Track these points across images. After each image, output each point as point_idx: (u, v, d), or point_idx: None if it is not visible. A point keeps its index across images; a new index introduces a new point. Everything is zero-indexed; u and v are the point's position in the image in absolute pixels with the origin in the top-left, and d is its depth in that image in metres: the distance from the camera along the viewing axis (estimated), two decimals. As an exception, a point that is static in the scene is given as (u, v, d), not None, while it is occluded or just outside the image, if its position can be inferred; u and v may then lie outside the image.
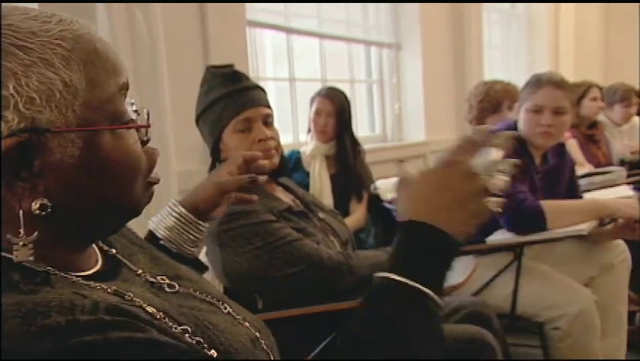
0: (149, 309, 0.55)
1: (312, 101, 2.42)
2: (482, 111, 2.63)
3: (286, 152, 2.06)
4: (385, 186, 2.35)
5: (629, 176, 2.63)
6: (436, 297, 0.59)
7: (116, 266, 0.64)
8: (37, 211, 0.52)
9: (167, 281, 0.67)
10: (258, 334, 0.68)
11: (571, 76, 3.72)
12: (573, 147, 2.94)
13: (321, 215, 1.45)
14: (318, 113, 2.37)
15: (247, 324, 0.69)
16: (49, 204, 0.52)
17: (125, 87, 0.58)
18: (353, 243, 1.52)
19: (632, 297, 2.15)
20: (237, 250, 1.25)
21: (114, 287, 0.56)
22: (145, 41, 1.73)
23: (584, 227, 1.66)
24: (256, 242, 1.24)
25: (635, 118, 3.63)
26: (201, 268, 0.96)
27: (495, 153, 0.65)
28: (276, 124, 1.39)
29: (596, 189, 2.37)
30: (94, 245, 0.64)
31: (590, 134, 3.24)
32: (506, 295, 1.73)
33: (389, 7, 3.41)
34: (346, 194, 2.33)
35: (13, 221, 0.52)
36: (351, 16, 3.24)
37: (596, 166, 2.99)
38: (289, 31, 2.79)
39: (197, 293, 0.68)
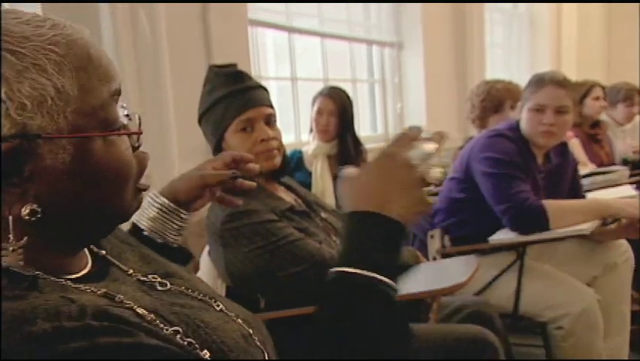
0: (140, 310, 0.55)
1: (313, 100, 2.42)
2: (484, 111, 2.62)
3: (288, 151, 2.06)
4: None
5: (631, 175, 2.62)
6: (390, 282, 0.60)
7: (105, 267, 0.64)
8: (27, 217, 0.52)
9: (159, 280, 0.67)
10: (250, 330, 0.68)
11: (573, 75, 3.70)
12: (576, 146, 2.93)
13: (323, 215, 1.45)
14: (319, 112, 2.37)
15: (240, 321, 0.69)
16: (39, 209, 0.52)
17: (117, 93, 0.58)
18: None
19: (635, 297, 2.15)
20: (240, 250, 1.25)
21: (104, 289, 0.56)
22: (148, 41, 1.73)
23: (587, 227, 1.66)
24: (258, 242, 1.24)
25: (638, 117, 3.61)
26: (188, 256, 0.95)
27: (429, 147, 0.69)
28: (277, 123, 1.39)
29: (598, 188, 2.36)
30: None
31: (592, 134, 3.23)
32: (509, 295, 1.73)
33: (391, 6, 3.41)
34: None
35: (2, 226, 0.52)
36: (352, 16, 3.24)
37: (599, 166, 2.98)
38: (291, 30, 2.79)
39: (189, 291, 0.68)
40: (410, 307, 1.37)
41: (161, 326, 0.55)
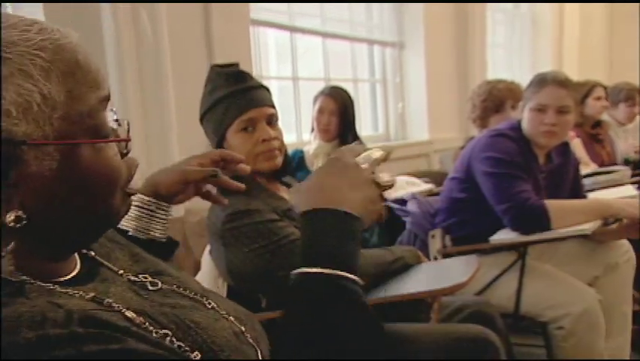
0: (129, 314, 0.54)
1: (315, 100, 2.42)
2: (485, 110, 2.62)
3: (290, 151, 2.06)
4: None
5: (633, 175, 2.62)
6: (353, 277, 0.60)
7: (95, 267, 0.64)
8: (12, 223, 0.51)
9: (150, 279, 0.67)
10: (242, 327, 0.68)
11: (575, 75, 3.70)
12: (577, 146, 2.93)
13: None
14: (321, 112, 2.37)
15: (232, 318, 0.68)
16: (24, 216, 0.52)
17: (106, 99, 0.57)
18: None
19: (637, 297, 2.15)
20: (241, 249, 1.25)
21: (92, 292, 0.56)
22: (149, 41, 1.73)
23: (588, 227, 1.66)
24: (260, 241, 1.24)
25: (639, 117, 3.61)
26: (173, 245, 0.94)
27: (375, 153, 0.73)
28: (279, 123, 1.39)
29: (600, 188, 2.36)
30: None
31: (594, 134, 3.23)
32: (510, 295, 1.73)
33: (393, 6, 3.41)
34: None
35: None
36: (354, 16, 3.24)
37: (600, 165, 2.98)
38: (293, 30, 2.80)
39: (180, 289, 0.68)
40: (411, 306, 1.37)
41: (151, 328, 0.55)
